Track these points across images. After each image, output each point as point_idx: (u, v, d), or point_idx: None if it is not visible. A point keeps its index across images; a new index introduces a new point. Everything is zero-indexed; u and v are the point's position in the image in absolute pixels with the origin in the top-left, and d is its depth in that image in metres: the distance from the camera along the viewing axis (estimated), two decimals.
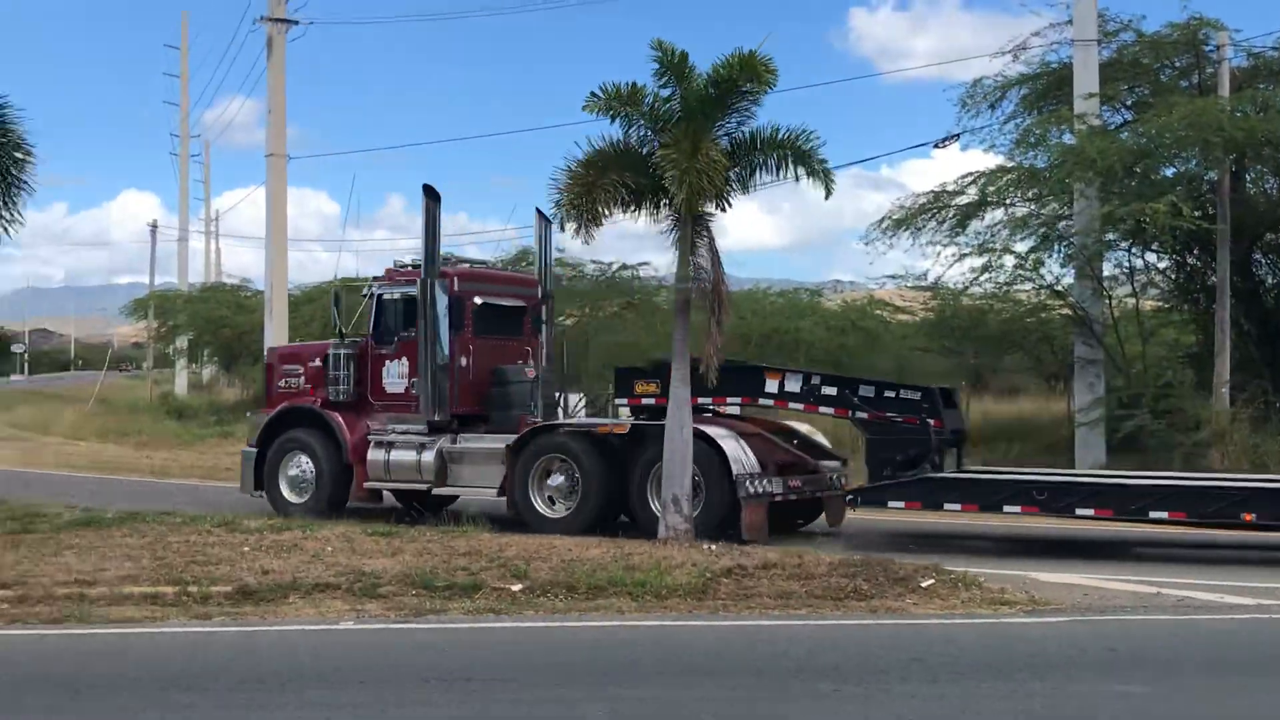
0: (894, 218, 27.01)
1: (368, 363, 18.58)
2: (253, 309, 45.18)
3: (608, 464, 16.52)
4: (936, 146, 28.17)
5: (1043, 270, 26.03)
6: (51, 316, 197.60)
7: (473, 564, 12.82)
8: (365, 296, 18.96)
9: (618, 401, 18.05)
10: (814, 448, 17.40)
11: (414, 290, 17.96)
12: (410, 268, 18.44)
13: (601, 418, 19.58)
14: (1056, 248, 25.54)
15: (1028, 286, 26.89)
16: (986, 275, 26.08)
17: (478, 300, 18.27)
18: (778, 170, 15.36)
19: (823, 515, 17.43)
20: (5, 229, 14.06)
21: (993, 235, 25.83)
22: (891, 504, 16.11)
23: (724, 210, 15.17)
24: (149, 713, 7.96)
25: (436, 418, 17.79)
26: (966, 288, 27.32)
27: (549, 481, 16.82)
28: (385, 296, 18.46)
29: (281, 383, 19.64)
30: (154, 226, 66.95)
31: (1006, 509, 15.55)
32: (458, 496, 18.43)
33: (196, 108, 69.11)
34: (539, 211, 19.16)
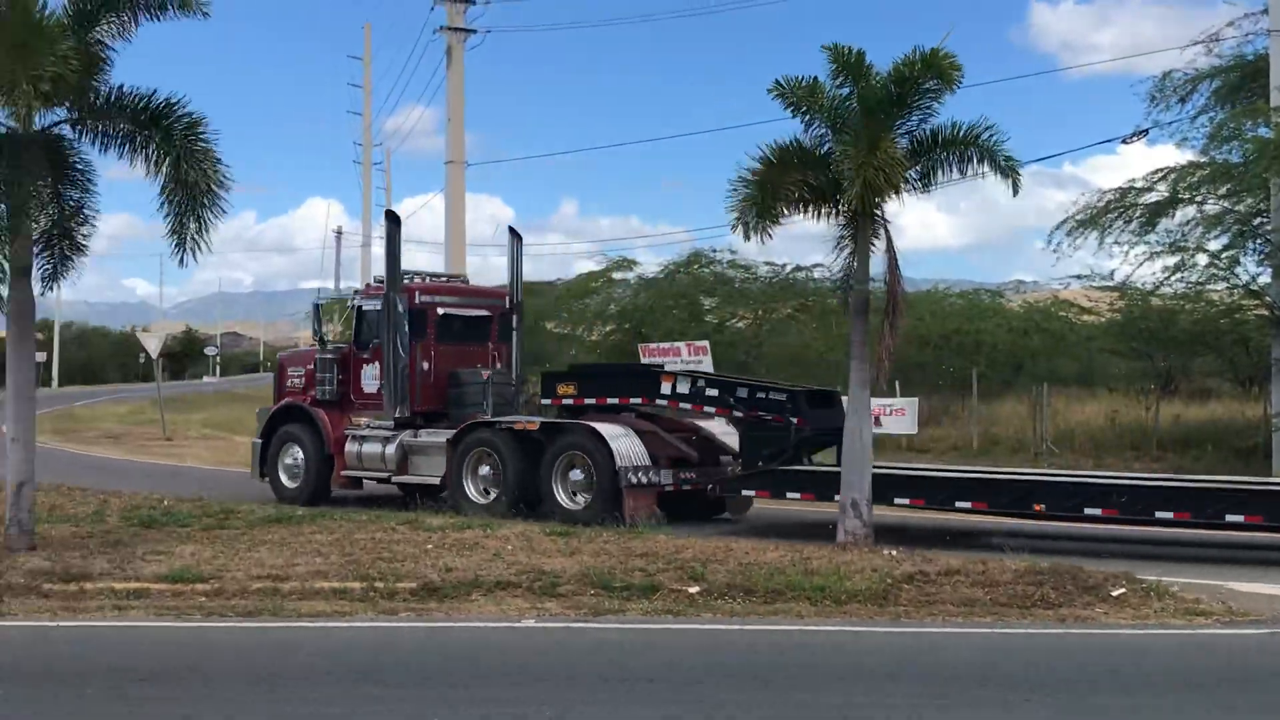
0: (1078, 218, 26.37)
1: (350, 366, 20.53)
2: None
3: (526, 456, 18.04)
4: (1124, 142, 27.48)
5: (1238, 269, 25.13)
6: (241, 320, 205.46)
7: (649, 565, 12.86)
8: (349, 308, 21.14)
9: (542, 401, 19.70)
10: (711, 445, 18.75)
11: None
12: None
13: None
14: (1252, 246, 24.61)
15: (1221, 286, 25.97)
16: (1178, 275, 25.29)
17: (440, 311, 20.16)
18: (961, 168, 15.09)
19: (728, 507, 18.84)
20: (193, 254, 14.48)
21: (1184, 234, 25.02)
22: (745, 492, 18.04)
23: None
24: (341, 705, 8.16)
25: (399, 415, 19.53)
26: (1156, 288, 26.54)
27: (480, 472, 18.50)
28: (364, 307, 20.46)
29: (287, 383, 21.73)
30: (339, 233, 69.16)
31: (838, 499, 16.03)
32: (443, 489, 19.22)
33: (378, 117, 71.32)
34: (511, 229, 21.33)
